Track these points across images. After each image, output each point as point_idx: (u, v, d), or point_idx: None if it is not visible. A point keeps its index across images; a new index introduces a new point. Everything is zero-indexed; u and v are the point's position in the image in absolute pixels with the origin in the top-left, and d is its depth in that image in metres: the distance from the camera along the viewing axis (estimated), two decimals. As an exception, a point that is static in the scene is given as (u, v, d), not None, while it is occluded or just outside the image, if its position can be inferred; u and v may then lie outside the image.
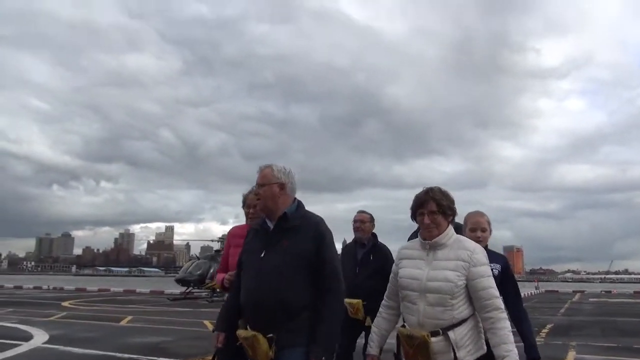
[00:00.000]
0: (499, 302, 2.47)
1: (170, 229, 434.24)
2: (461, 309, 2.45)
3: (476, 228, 3.30)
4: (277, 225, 2.62)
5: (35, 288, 32.59)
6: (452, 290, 2.43)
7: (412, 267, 2.59)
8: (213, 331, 2.68)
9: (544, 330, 11.25)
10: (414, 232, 3.94)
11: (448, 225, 2.60)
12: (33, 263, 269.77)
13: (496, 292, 2.48)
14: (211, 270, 22.10)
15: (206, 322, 12.13)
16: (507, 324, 2.44)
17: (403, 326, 2.57)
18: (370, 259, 4.48)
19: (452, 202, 2.64)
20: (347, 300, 4.17)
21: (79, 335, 9.80)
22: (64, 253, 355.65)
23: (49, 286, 34.36)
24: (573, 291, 38.92)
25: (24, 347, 8.10)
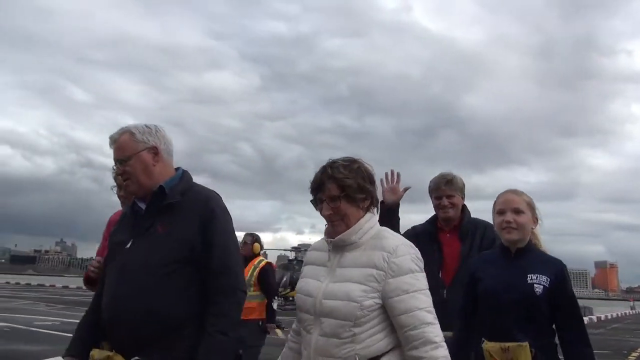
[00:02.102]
0: (432, 331, 1.55)
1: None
2: (370, 342, 1.57)
3: (505, 209, 2.14)
4: (150, 205, 1.84)
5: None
6: (354, 314, 1.56)
7: (311, 278, 1.73)
8: (63, 357, 1.92)
9: (633, 354, 10.36)
10: (430, 218, 3.02)
11: (365, 215, 1.72)
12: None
13: (429, 317, 1.56)
14: (284, 279, 22.90)
15: (277, 331, 12.27)
16: None
17: None
18: None
19: (367, 178, 1.72)
20: None
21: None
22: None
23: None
24: (676, 312, 35.46)
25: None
